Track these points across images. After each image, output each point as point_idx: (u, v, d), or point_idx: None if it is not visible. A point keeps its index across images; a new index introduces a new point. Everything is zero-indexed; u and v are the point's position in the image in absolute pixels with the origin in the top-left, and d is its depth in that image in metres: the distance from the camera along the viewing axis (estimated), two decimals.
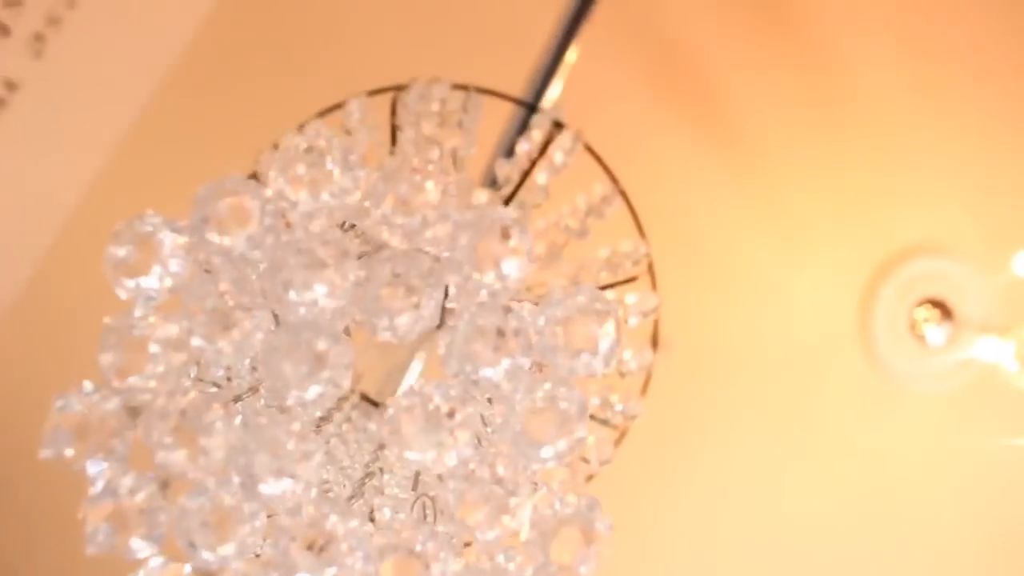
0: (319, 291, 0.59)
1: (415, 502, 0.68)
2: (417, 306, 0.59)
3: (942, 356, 1.78)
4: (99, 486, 0.63)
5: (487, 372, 0.59)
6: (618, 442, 1.02)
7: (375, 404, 0.75)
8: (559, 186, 1.06)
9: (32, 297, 1.64)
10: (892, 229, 1.80)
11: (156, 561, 0.64)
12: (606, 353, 0.59)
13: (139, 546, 0.62)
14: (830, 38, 1.76)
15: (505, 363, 0.59)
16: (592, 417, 0.99)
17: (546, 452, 0.59)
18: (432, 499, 0.67)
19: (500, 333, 0.59)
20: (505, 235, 0.58)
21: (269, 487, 0.59)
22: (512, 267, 0.60)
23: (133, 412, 0.64)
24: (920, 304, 1.78)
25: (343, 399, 0.78)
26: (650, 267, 1.13)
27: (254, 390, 0.70)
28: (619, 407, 1.00)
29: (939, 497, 1.76)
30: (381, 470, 0.71)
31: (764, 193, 1.80)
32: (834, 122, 1.78)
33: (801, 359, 1.77)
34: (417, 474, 0.71)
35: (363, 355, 0.87)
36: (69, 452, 0.62)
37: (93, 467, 0.63)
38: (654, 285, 1.15)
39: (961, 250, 1.77)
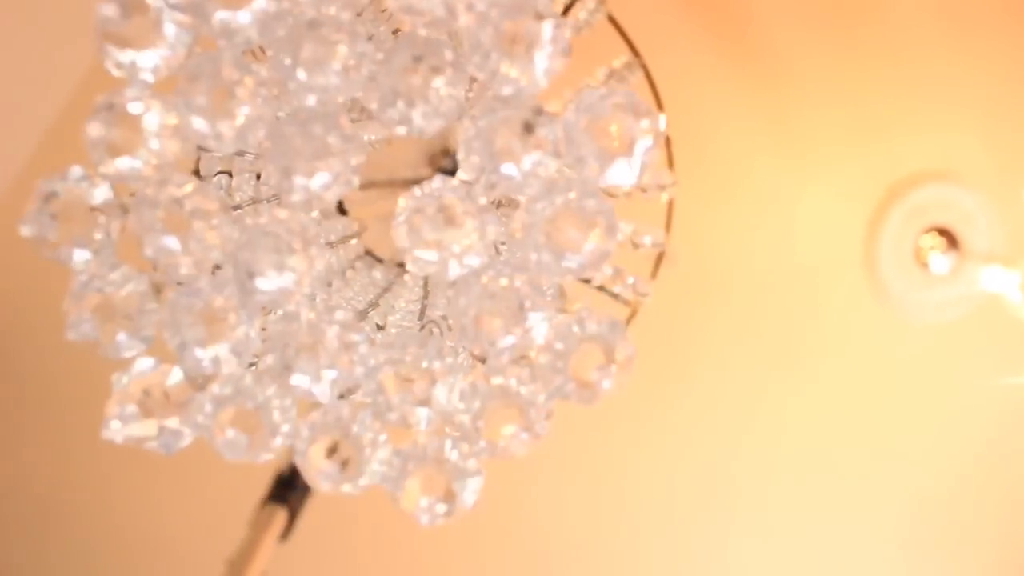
0: (332, 70, 0.54)
1: (423, 326, 0.64)
2: (435, 94, 0.54)
3: (945, 285, 1.75)
4: (84, 278, 0.58)
5: (510, 169, 0.54)
6: (629, 320, 0.99)
7: (379, 260, 0.71)
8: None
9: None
10: (904, 154, 1.76)
11: (144, 363, 0.59)
12: (642, 156, 0.54)
13: (125, 343, 0.58)
14: None
15: (531, 159, 0.54)
16: (602, 289, 0.95)
17: (570, 261, 0.55)
18: (442, 320, 0.63)
19: (527, 128, 0.54)
20: (538, 17, 0.53)
21: (268, 281, 0.55)
22: (543, 59, 0.55)
23: (122, 209, 0.59)
24: (927, 231, 1.74)
25: (349, 236, 0.74)
26: (667, 142, 1.09)
27: (255, 201, 0.66)
28: (631, 280, 0.96)
29: (933, 426, 1.75)
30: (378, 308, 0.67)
31: (778, 110, 1.75)
32: (855, 43, 1.73)
33: (803, 279, 1.74)
34: (424, 299, 0.67)
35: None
36: (51, 236, 0.57)
37: (78, 255, 0.58)
38: (671, 163, 1.12)
39: (972, 178, 1.73)
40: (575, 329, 0.57)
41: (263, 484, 1.29)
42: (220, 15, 0.55)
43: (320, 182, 0.54)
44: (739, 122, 1.75)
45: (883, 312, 1.76)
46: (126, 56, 0.56)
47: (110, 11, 0.54)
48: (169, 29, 0.57)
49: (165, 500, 1.68)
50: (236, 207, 0.60)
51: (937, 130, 1.72)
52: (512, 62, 0.54)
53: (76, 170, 0.58)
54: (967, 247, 1.75)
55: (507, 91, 0.55)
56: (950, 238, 1.75)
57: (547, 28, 0.53)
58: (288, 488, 1.32)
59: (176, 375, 0.60)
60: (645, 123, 0.53)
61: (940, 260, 1.75)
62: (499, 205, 0.71)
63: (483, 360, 0.59)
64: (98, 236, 0.57)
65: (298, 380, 0.54)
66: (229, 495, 1.48)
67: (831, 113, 1.72)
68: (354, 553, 1.71)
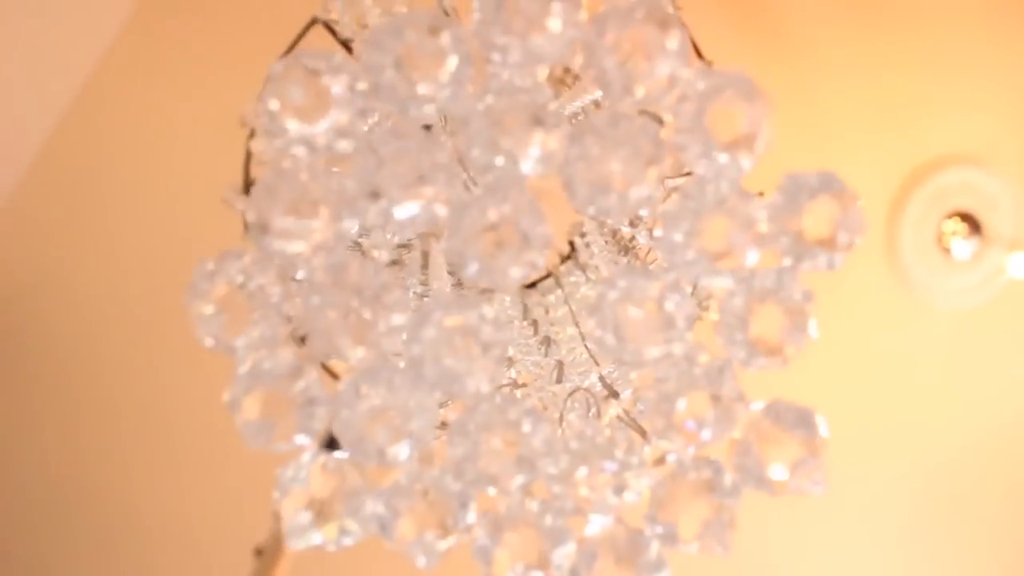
0: (535, 151, 0.50)
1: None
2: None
3: (967, 271, 1.75)
4: (246, 367, 0.54)
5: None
6: None
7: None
8: None
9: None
10: (927, 137, 1.74)
11: (307, 456, 0.56)
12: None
13: (301, 440, 0.54)
14: None
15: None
16: None
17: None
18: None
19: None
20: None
21: (465, 385, 0.51)
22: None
23: (285, 282, 0.54)
24: (949, 216, 1.73)
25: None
26: None
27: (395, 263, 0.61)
28: None
29: (954, 411, 1.75)
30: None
31: (799, 90, 1.72)
32: (878, 25, 1.70)
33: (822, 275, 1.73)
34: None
35: None
36: (217, 331, 0.53)
37: (241, 344, 0.54)
38: None
39: (996, 163, 1.72)
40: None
41: None
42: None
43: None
44: None
45: (904, 297, 1.75)
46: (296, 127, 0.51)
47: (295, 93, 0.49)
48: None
49: (188, 488, 1.65)
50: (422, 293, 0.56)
51: (960, 113, 1.70)
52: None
53: (235, 251, 0.53)
54: (990, 233, 1.75)
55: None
56: (972, 223, 1.74)
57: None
58: None
59: (337, 465, 0.56)
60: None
61: (962, 245, 1.74)
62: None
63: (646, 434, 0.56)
64: (262, 323, 0.53)
65: (491, 490, 0.51)
66: (253, 483, 1.45)
67: (853, 95, 1.70)
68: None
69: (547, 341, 0.72)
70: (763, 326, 0.52)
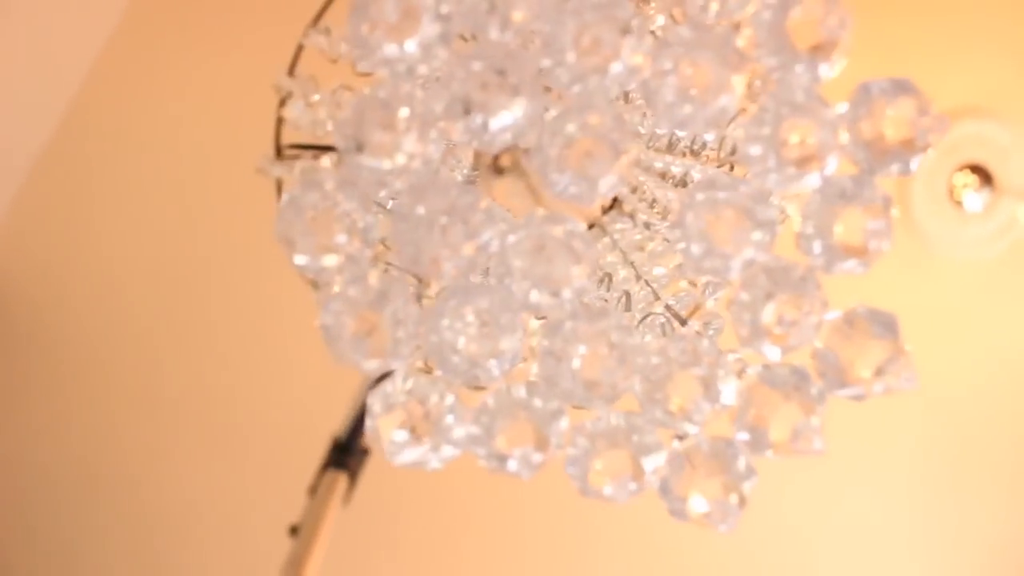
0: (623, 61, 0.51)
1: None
2: None
3: (979, 223, 1.75)
4: (335, 289, 0.55)
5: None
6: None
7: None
8: None
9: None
10: (937, 89, 1.72)
11: (399, 376, 0.57)
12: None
13: (392, 359, 0.55)
14: None
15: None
16: None
17: None
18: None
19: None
20: None
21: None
22: None
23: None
24: (960, 169, 1.73)
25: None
26: None
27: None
28: None
29: (967, 363, 1.75)
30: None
31: None
32: None
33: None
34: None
35: None
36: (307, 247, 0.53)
37: (330, 263, 0.54)
38: None
39: (1007, 114, 1.72)
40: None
41: (312, 450, 1.27)
42: None
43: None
44: None
45: (917, 250, 1.75)
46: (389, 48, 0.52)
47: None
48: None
49: (221, 468, 1.66)
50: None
51: (971, 65, 1.69)
52: None
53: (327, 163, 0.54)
54: (1001, 184, 1.75)
55: None
56: (984, 175, 1.74)
57: None
58: (346, 453, 1.30)
59: (423, 386, 0.57)
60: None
61: (974, 198, 1.74)
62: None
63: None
64: (350, 243, 0.54)
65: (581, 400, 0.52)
66: (287, 462, 1.46)
67: (861, 48, 1.69)
68: (407, 514, 1.70)
69: (608, 277, 0.73)
70: (846, 230, 0.53)
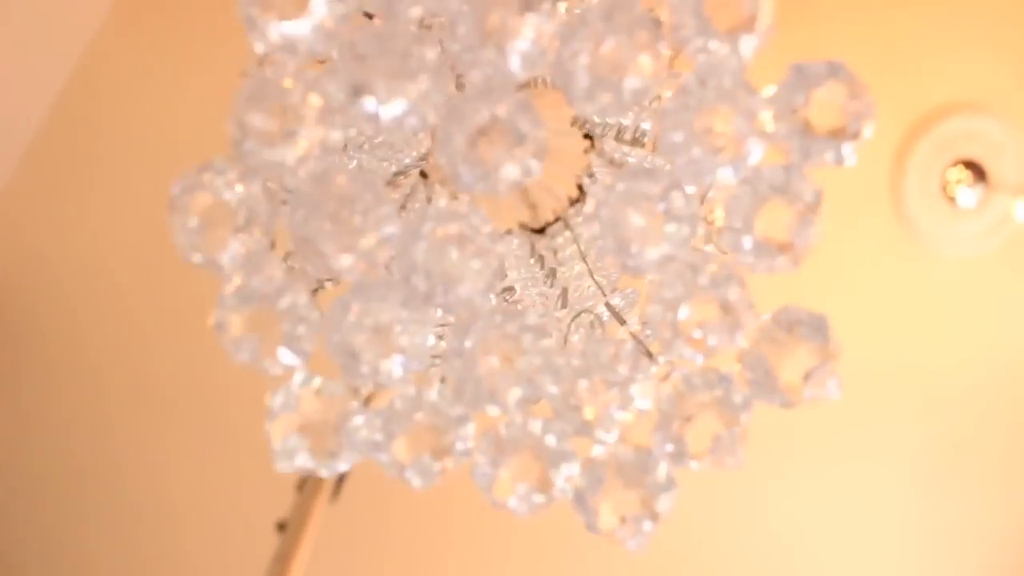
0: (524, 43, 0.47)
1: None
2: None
3: (973, 219, 1.73)
4: (234, 285, 0.51)
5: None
6: None
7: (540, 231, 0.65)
8: None
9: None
10: (930, 85, 1.71)
11: (297, 378, 0.53)
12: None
13: (283, 355, 0.51)
14: None
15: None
16: None
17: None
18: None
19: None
20: None
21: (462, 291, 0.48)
22: None
23: (272, 197, 0.52)
24: (953, 165, 1.71)
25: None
26: None
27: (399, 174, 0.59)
28: None
29: (961, 359, 1.73)
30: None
31: (803, 36, 1.68)
32: None
33: (828, 214, 1.70)
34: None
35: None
36: (197, 244, 0.50)
37: (228, 259, 0.51)
38: None
39: (1000, 109, 1.69)
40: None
41: None
42: None
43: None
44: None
45: (910, 246, 1.73)
46: (275, 28, 0.49)
47: None
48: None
49: (209, 464, 1.64)
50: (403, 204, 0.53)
51: (964, 61, 1.67)
52: None
53: (218, 161, 0.51)
54: (995, 180, 1.73)
55: None
56: (977, 171, 1.72)
57: None
58: None
59: (330, 388, 0.54)
60: None
61: (967, 194, 1.72)
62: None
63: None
64: (248, 238, 0.50)
65: (490, 409, 0.48)
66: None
67: (856, 43, 1.67)
68: (394, 511, 1.68)
69: (552, 272, 0.69)
70: (771, 224, 0.49)
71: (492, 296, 0.53)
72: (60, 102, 1.53)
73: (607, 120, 0.60)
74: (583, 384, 0.51)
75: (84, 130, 1.57)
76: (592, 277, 0.69)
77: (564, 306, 0.65)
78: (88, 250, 1.61)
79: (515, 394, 0.50)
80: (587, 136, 0.70)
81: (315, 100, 0.49)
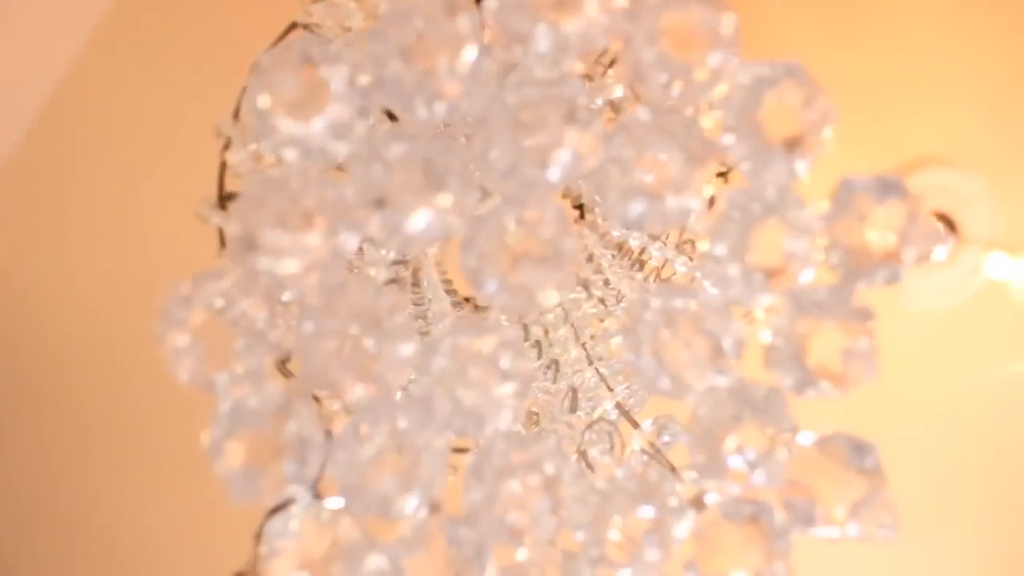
0: (567, 155, 0.43)
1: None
2: None
3: (943, 271, 1.74)
4: (227, 407, 0.46)
5: None
6: None
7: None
8: None
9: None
10: (902, 137, 1.73)
11: (302, 506, 0.48)
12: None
13: (290, 489, 0.46)
14: None
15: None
16: None
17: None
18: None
19: None
20: None
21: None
22: None
23: (273, 307, 0.47)
24: None
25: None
26: None
27: (394, 281, 0.54)
28: None
29: (929, 412, 1.74)
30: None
31: None
32: (854, 23, 1.68)
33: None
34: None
35: None
36: (194, 364, 0.45)
37: (222, 380, 0.46)
38: None
39: (971, 163, 1.72)
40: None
41: None
42: None
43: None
44: None
45: (880, 298, 1.74)
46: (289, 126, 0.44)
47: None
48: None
49: (165, 508, 1.57)
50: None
51: (936, 115, 1.69)
52: None
53: (222, 271, 0.45)
54: (965, 233, 1.74)
55: None
56: (948, 224, 1.74)
57: None
58: None
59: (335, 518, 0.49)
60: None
61: (938, 246, 1.73)
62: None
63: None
64: (247, 357, 0.45)
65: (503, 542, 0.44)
66: (232, 502, 1.37)
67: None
68: None
69: (554, 365, 0.65)
70: (822, 350, 0.45)
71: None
72: (44, 113, 1.48)
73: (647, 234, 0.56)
74: (616, 518, 0.47)
75: (68, 141, 1.51)
76: (596, 369, 0.64)
77: (573, 410, 0.61)
78: (67, 270, 1.54)
79: (545, 530, 0.45)
80: (577, 207, 0.66)
81: (326, 205, 0.44)
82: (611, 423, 0.57)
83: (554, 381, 0.66)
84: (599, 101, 0.54)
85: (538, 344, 0.70)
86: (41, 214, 1.52)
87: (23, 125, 1.45)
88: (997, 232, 1.70)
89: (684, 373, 0.44)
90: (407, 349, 0.44)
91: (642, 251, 0.67)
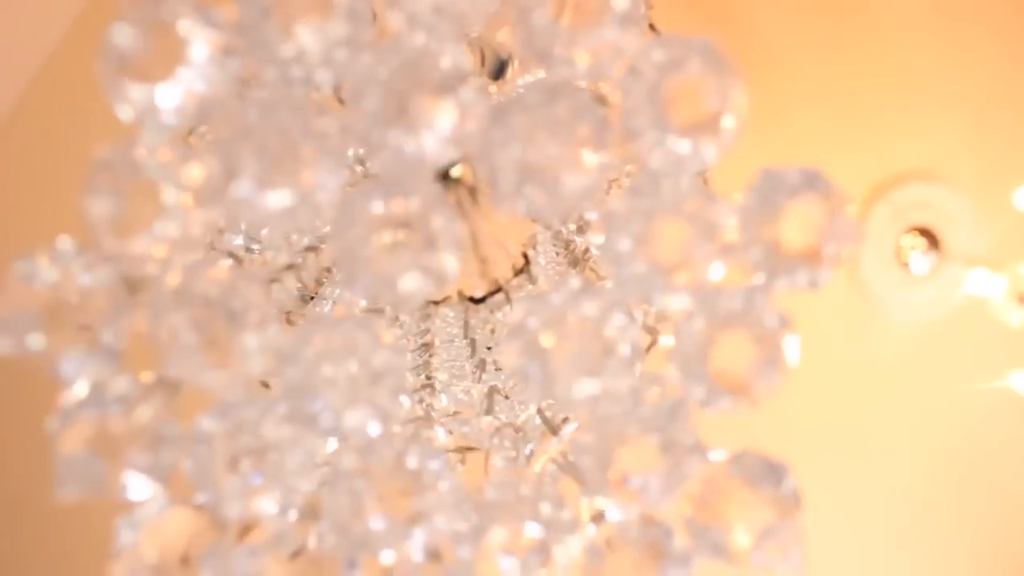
0: (442, 127, 0.38)
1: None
2: None
3: (925, 285, 1.74)
4: (79, 391, 0.42)
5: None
6: None
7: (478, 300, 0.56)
8: None
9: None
10: (887, 153, 1.73)
11: (155, 504, 0.44)
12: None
13: (135, 483, 0.42)
14: None
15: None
16: None
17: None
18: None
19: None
20: None
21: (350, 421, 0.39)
22: None
23: (132, 287, 0.43)
24: (908, 231, 1.73)
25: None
26: None
27: (292, 267, 0.50)
28: None
29: (911, 424, 1.73)
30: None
31: (760, 108, 1.65)
32: (841, 42, 1.68)
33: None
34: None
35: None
36: (36, 341, 0.41)
37: (70, 364, 0.42)
38: None
39: (955, 179, 1.72)
40: None
41: None
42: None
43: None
44: None
45: (863, 310, 1.75)
46: (141, 91, 0.39)
47: (130, 42, 0.37)
48: (199, 52, 0.40)
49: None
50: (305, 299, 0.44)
51: (921, 130, 1.69)
52: None
53: (65, 243, 0.41)
54: (948, 248, 1.74)
55: None
56: (931, 238, 1.74)
57: None
58: None
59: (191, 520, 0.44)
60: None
61: (920, 260, 1.74)
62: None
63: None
64: (104, 334, 0.41)
65: (384, 555, 0.40)
66: None
67: (813, 112, 1.68)
68: None
69: (482, 365, 0.60)
70: (728, 357, 0.41)
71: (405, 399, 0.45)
72: (20, 102, 1.44)
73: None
74: (497, 531, 0.42)
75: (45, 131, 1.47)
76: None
77: (489, 412, 0.56)
78: None
79: (412, 542, 0.41)
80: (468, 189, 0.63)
81: (186, 181, 0.40)
82: (518, 429, 0.53)
83: (478, 380, 0.62)
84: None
85: (473, 342, 0.66)
86: (41, 166, 1.49)
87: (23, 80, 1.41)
88: (978, 248, 1.70)
89: (570, 380, 0.40)
90: (253, 341, 0.40)
91: (586, 250, 0.63)
